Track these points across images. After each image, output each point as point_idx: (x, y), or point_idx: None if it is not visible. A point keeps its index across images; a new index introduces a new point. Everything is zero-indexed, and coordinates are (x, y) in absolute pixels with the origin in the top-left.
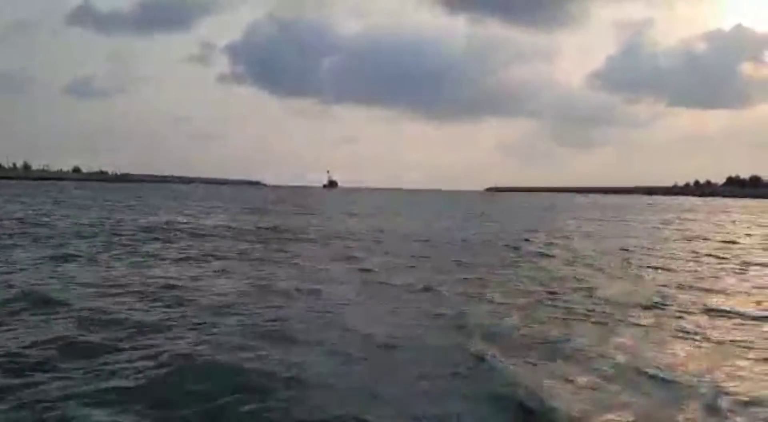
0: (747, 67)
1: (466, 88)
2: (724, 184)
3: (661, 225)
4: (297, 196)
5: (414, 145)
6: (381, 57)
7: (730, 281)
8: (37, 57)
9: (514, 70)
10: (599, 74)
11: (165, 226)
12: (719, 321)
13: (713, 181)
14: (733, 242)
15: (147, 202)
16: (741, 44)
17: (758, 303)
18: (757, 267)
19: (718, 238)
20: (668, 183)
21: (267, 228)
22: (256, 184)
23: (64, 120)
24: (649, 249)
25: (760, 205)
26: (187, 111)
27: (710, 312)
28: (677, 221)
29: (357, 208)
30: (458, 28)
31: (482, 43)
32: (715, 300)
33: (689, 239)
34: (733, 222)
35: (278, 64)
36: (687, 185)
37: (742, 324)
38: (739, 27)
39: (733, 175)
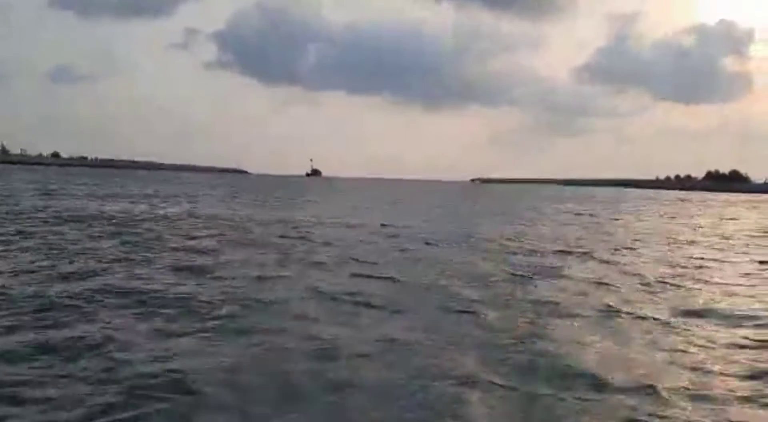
0: (730, 62)
1: (452, 76)
2: (704, 179)
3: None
4: (275, 184)
5: (399, 133)
6: (367, 45)
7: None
8: (17, 42)
9: (501, 59)
10: (586, 65)
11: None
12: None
13: (694, 175)
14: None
15: (107, 189)
16: (725, 39)
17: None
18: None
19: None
20: (653, 175)
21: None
22: (242, 172)
23: (46, 106)
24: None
25: (733, 199)
26: (171, 98)
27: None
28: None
29: (323, 200)
30: (445, 15)
31: (469, 32)
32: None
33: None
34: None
35: (264, 51)
36: (668, 179)
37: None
38: (723, 21)
39: (715, 169)
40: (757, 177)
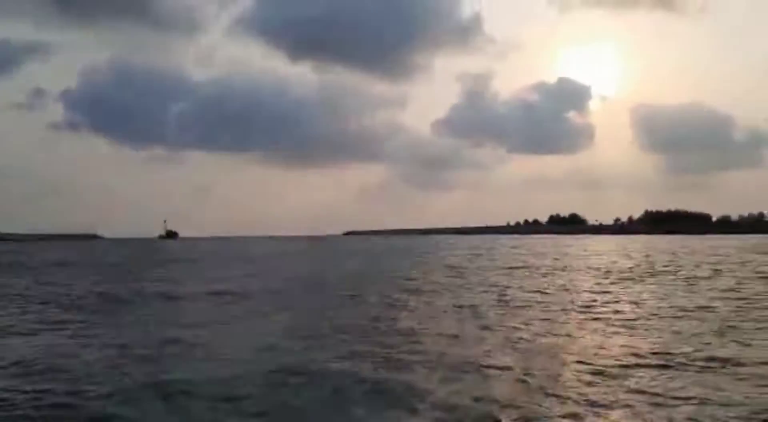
0: (571, 116)
1: (320, 133)
2: (547, 222)
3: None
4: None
5: (268, 191)
6: (232, 103)
7: None
8: None
9: (368, 117)
10: (446, 121)
11: None
12: None
13: (541, 219)
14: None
15: None
16: (566, 95)
17: None
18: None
19: None
20: (512, 221)
21: None
22: (94, 237)
23: None
24: None
25: (559, 240)
26: (14, 161)
27: None
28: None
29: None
30: (308, 76)
31: (334, 90)
32: None
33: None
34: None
35: (120, 110)
36: (518, 224)
37: None
38: (562, 79)
39: (557, 213)
40: (593, 219)
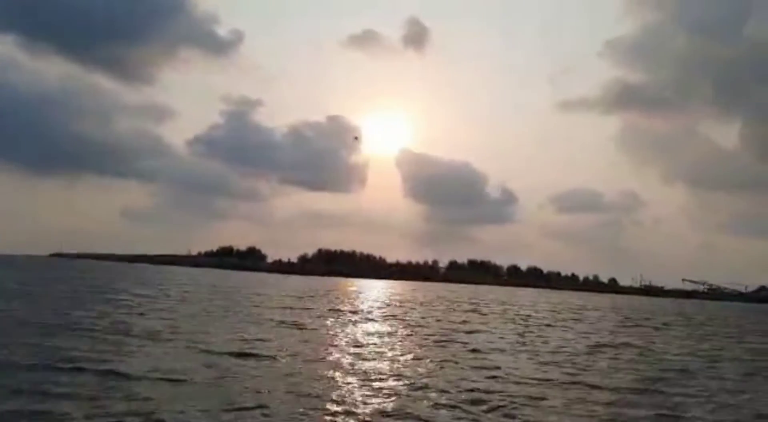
0: (343, 155)
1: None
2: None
3: None
4: None
5: None
6: None
7: None
8: None
9: (117, 127)
10: (212, 145)
11: None
12: None
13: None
14: None
15: None
16: (337, 133)
17: None
18: None
19: None
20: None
21: None
22: None
23: None
24: None
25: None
26: None
27: None
28: None
29: None
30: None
31: (81, 92)
32: None
33: None
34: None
35: None
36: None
37: None
38: (331, 117)
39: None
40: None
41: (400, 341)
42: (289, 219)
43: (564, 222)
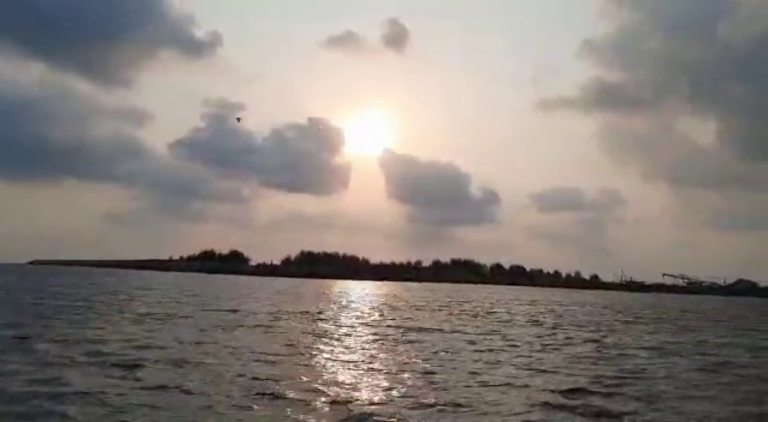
0: (325, 156)
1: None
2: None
3: None
4: None
5: None
6: None
7: None
8: None
9: (96, 130)
10: (192, 148)
11: None
12: None
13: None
14: None
15: None
16: (319, 136)
17: None
18: None
19: None
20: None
21: None
22: None
23: None
24: None
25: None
26: None
27: None
28: None
29: None
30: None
31: (56, 95)
32: None
33: None
34: None
35: None
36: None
37: None
38: (312, 119)
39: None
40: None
41: (337, 340)
42: (271, 222)
43: (546, 221)
